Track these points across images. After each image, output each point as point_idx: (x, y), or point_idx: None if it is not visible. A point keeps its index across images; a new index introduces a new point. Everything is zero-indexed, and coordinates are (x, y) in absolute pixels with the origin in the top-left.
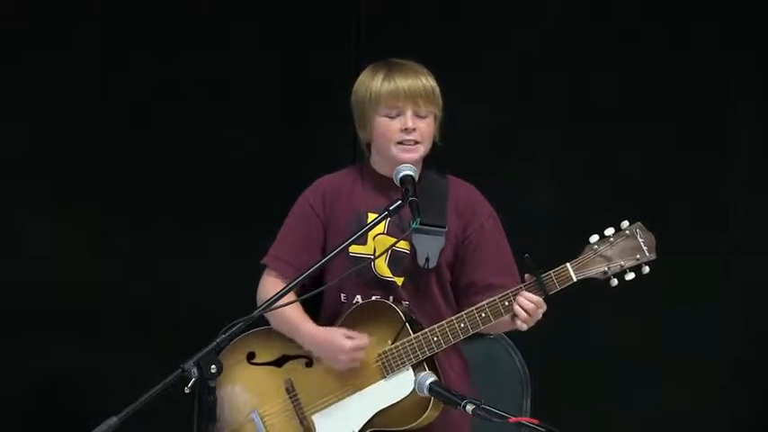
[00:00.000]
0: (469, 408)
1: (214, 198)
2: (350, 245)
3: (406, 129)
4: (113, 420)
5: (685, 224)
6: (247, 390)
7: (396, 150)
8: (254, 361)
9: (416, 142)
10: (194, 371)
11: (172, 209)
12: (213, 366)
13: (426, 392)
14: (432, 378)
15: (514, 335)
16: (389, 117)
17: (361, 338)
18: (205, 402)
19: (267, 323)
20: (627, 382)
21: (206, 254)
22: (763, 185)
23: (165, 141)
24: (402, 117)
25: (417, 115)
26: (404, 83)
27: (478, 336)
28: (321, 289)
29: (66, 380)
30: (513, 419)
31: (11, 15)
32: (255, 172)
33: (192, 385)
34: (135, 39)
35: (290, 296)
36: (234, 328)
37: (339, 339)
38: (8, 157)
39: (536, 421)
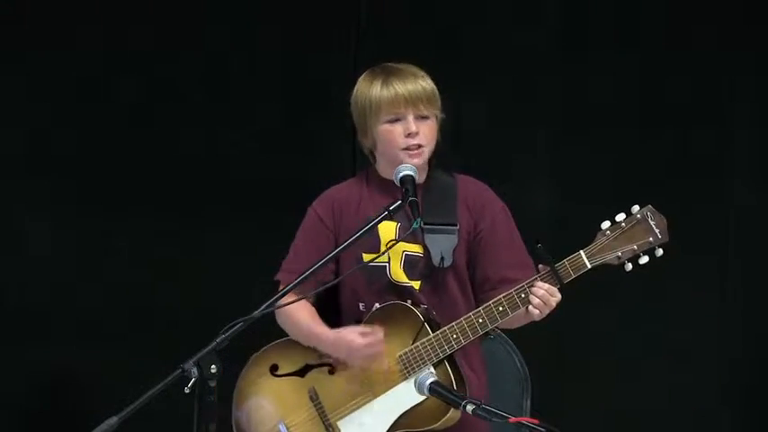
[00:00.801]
0: (469, 408)
1: (214, 198)
2: (351, 244)
3: (409, 134)
4: (113, 420)
5: (685, 224)
6: (272, 402)
7: (402, 156)
8: (277, 373)
9: (420, 146)
10: (194, 371)
11: (172, 209)
12: (213, 366)
13: (426, 392)
14: (432, 378)
15: (514, 335)
16: (391, 123)
17: (375, 333)
18: (205, 402)
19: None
20: (627, 381)
21: (206, 254)
22: (762, 186)
23: (165, 141)
24: (404, 122)
25: (420, 117)
26: (403, 88)
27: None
28: (327, 285)
29: (66, 380)
30: (513, 419)
31: (11, 15)
32: (255, 172)
33: (192, 385)
34: (135, 39)
35: (304, 304)
36: (234, 329)
37: (352, 338)
38: (8, 157)
39: (536, 421)
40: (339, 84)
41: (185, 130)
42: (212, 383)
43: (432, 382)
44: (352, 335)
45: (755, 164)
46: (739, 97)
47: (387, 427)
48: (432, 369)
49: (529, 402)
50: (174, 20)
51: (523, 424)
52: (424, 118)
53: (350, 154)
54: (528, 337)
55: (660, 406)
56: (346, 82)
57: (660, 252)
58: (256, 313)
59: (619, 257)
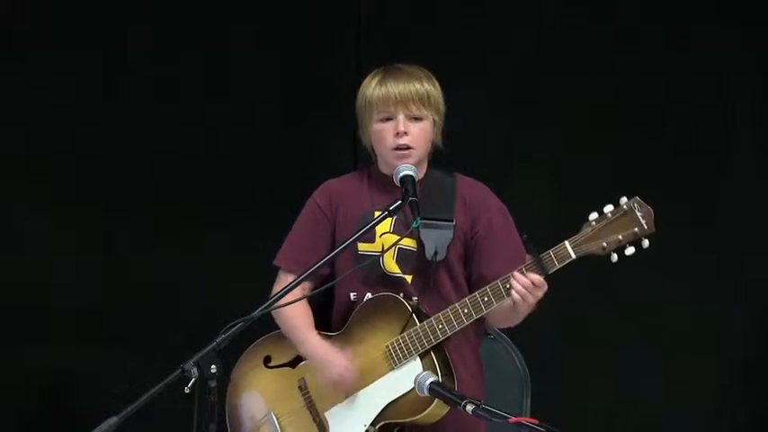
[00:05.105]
0: (469, 408)
1: (214, 198)
2: (352, 242)
3: (397, 133)
4: (113, 420)
5: (685, 224)
6: (264, 392)
7: (390, 156)
8: (270, 364)
9: (408, 147)
10: (194, 371)
11: (172, 209)
12: (213, 366)
13: (426, 392)
14: (432, 378)
15: (514, 335)
16: (383, 122)
17: (351, 374)
18: (205, 402)
19: (269, 323)
20: (627, 382)
21: (206, 254)
22: (762, 186)
23: (165, 141)
24: (394, 121)
25: (411, 118)
26: (395, 88)
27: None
28: (327, 286)
29: (67, 380)
30: (513, 419)
31: (11, 15)
32: (255, 172)
33: (192, 385)
34: (135, 39)
35: (298, 296)
36: (234, 329)
37: (336, 357)
38: (8, 157)
39: (536, 421)
40: (339, 84)
41: (185, 130)
42: (212, 383)
43: (432, 382)
44: (338, 356)
45: (756, 164)
46: (739, 98)
47: (372, 417)
48: (418, 359)
49: (529, 402)
50: (175, 20)
51: (523, 424)
52: (417, 119)
53: (351, 153)
54: (528, 337)
55: (660, 406)
56: (346, 82)
57: (646, 243)
58: (256, 313)
59: (604, 248)
